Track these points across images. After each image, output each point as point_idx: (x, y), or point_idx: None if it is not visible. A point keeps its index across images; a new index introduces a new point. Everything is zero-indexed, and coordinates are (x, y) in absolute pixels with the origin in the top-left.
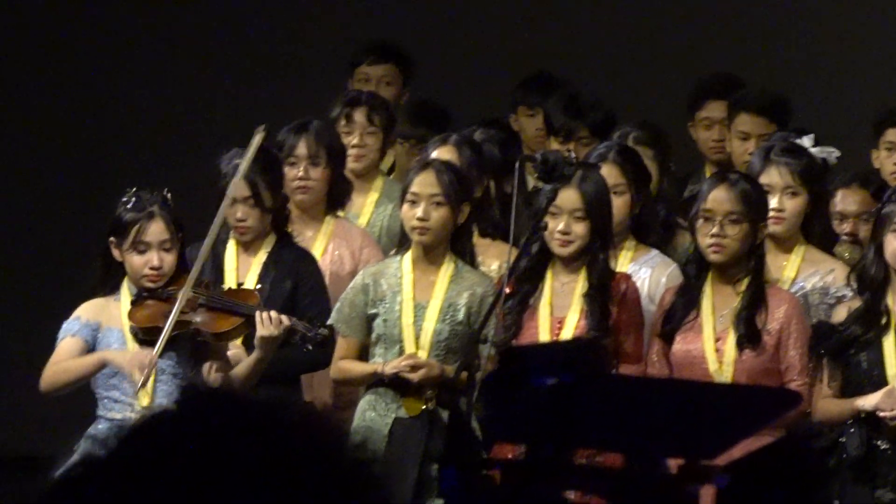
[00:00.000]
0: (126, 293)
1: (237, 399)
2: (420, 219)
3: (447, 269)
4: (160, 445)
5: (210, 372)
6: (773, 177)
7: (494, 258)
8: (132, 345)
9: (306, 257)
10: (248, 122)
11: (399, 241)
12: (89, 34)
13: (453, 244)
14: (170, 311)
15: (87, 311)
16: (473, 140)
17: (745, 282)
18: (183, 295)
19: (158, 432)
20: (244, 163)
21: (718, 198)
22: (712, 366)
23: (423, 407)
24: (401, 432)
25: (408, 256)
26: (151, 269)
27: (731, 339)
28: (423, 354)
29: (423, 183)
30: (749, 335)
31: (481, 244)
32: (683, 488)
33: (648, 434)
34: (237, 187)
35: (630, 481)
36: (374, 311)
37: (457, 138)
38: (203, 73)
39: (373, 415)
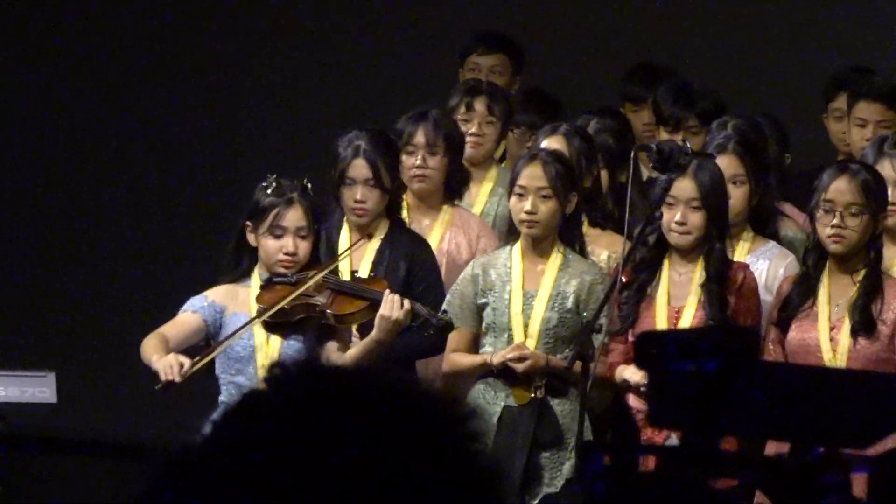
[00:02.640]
0: (256, 279)
1: (327, 370)
2: (528, 212)
3: (556, 259)
4: (252, 425)
5: (328, 355)
6: (886, 169)
7: (604, 248)
8: (258, 328)
9: (421, 242)
10: (358, 109)
11: (508, 231)
12: (218, 24)
13: (562, 233)
14: (299, 294)
15: (215, 294)
16: (583, 129)
17: (863, 272)
18: (312, 279)
19: (249, 412)
20: None
21: (840, 188)
22: (826, 354)
23: (532, 396)
24: (509, 420)
25: (517, 247)
26: (286, 254)
27: (845, 329)
28: (531, 343)
29: (531, 175)
30: (864, 324)
31: (591, 234)
32: (822, 477)
33: (794, 422)
34: (357, 168)
35: (773, 469)
36: (483, 300)
37: (566, 128)
38: (316, 61)
39: (482, 403)
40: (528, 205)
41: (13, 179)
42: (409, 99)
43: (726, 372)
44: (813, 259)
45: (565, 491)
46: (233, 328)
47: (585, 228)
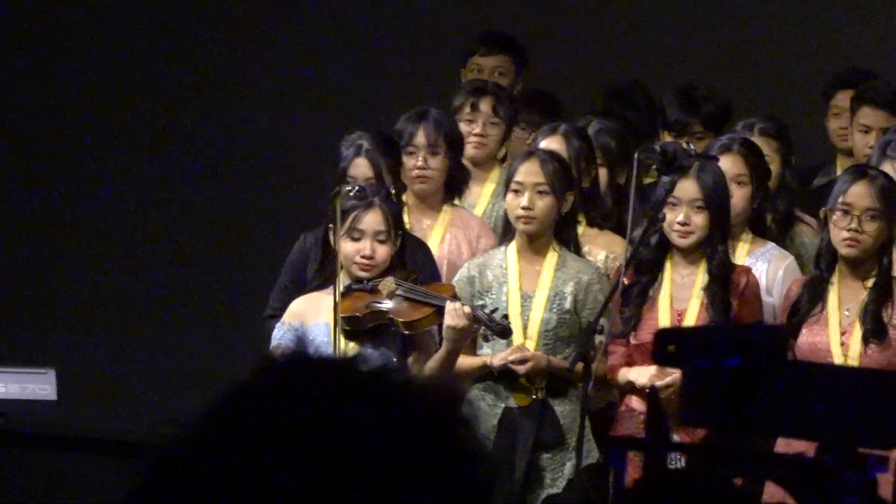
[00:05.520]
0: (340, 286)
1: (312, 361)
2: (524, 208)
3: (552, 258)
4: (238, 417)
5: (411, 366)
6: (889, 172)
7: (602, 248)
8: (341, 337)
9: (421, 246)
10: (358, 111)
11: (503, 231)
12: (217, 27)
13: (558, 233)
14: (371, 302)
15: (290, 314)
16: (582, 130)
17: (873, 277)
18: (385, 288)
19: (234, 405)
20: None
21: (858, 193)
22: (837, 359)
23: (533, 397)
24: (510, 422)
25: (512, 246)
26: (363, 257)
27: (856, 334)
28: (531, 344)
29: (527, 172)
30: (875, 329)
31: (589, 234)
32: (842, 476)
33: (821, 421)
34: (358, 167)
35: (794, 467)
36: (480, 302)
37: (565, 128)
38: (315, 63)
39: (482, 405)
40: (524, 200)
41: (13, 176)
42: (409, 100)
43: (753, 370)
44: (824, 262)
45: (567, 491)
46: (314, 337)
47: (583, 229)
